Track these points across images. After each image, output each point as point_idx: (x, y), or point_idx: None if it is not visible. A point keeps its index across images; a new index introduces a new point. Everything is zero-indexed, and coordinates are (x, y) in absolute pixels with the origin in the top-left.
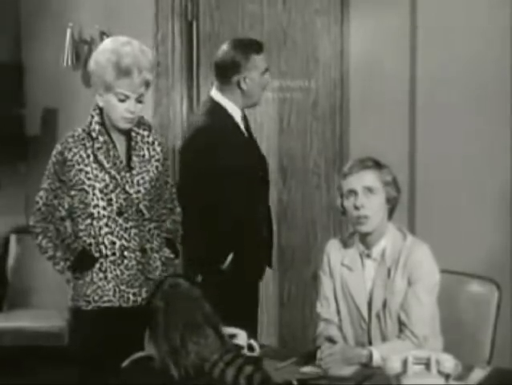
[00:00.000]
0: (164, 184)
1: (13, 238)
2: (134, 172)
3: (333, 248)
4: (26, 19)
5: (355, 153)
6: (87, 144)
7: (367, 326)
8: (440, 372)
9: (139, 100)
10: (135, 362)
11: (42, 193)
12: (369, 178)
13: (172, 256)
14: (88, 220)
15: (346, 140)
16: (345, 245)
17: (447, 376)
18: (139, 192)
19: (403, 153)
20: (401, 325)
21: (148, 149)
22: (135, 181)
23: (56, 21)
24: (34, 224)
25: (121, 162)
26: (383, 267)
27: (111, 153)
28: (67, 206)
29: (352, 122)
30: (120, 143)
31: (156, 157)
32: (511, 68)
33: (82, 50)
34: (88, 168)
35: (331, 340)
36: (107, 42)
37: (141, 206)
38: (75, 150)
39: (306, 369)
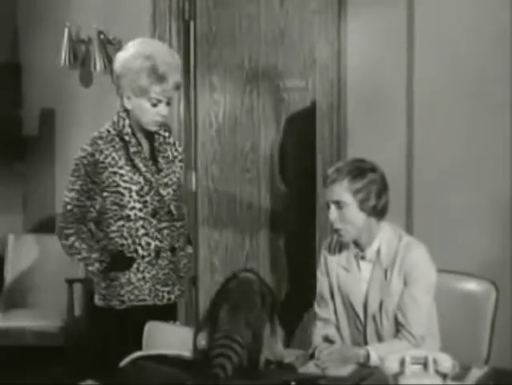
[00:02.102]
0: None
1: (11, 238)
2: (163, 173)
3: (330, 249)
4: (23, 19)
5: (352, 153)
6: (117, 146)
7: (363, 326)
8: (437, 372)
9: (168, 103)
10: (133, 362)
11: (73, 194)
12: (337, 192)
13: (191, 251)
14: (121, 222)
15: (343, 140)
16: (341, 246)
17: (444, 376)
18: (169, 193)
19: (400, 153)
20: (398, 325)
21: (170, 150)
22: (164, 183)
23: (54, 20)
24: (66, 226)
25: (151, 164)
26: (379, 268)
27: (142, 156)
28: (98, 207)
29: (349, 122)
30: (145, 145)
31: (179, 157)
32: (510, 68)
33: (79, 50)
34: (123, 171)
35: (328, 339)
36: (137, 46)
37: (172, 207)
38: (106, 152)
39: (304, 369)
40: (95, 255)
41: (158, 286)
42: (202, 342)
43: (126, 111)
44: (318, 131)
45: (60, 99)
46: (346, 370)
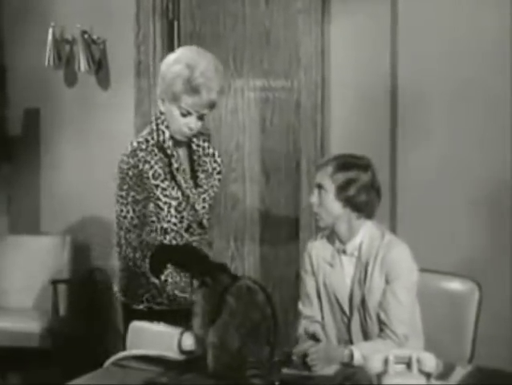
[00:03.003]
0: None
1: None
2: (201, 189)
3: (315, 246)
4: (7, 19)
5: (336, 153)
6: (157, 158)
7: (348, 322)
8: (421, 371)
9: (200, 117)
10: (116, 362)
11: (129, 207)
12: (320, 176)
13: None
14: (153, 234)
15: (327, 140)
16: (327, 241)
17: (428, 375)
18: (204, 208)
19: (384, 153)
20: (381, 324)
21: (209, 162)
22: (201, 198)
23: (38, 20)
24: (125, 236)
25: (190, 178)
26: (360, 263)
27: (181, 168)
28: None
29: (333, 121)
30: (184, 156)
31: (218, 169)
32: (493, 66)
33: (64, 50)
34: (164, 185)
35: (314, 337)
36: (184, 51)
37: (204, 221)
38: (148, 163)
39: (288, 369)
40: (138, 254)
41: (177, 292)
42: (187, 342)
43: (165, 121)
44: (303, 132)
45: (45, 99)
46: (330, 370)
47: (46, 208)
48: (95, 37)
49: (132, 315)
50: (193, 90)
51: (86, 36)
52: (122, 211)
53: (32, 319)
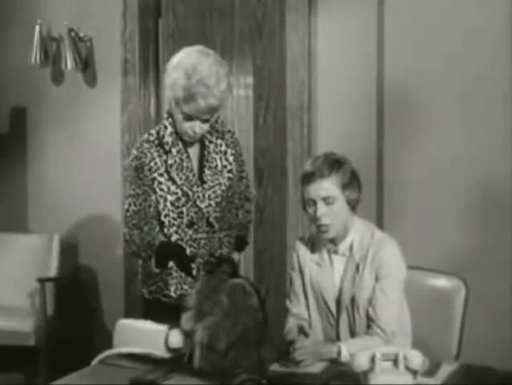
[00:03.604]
0: (237, 180)
1: None
2: (206, 186)
3: (302, 245)
4: None
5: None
6: (159, 152)
7: (335, 321)
8: (407, 368)
9: (205, 121)
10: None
11: (130, 200)
12: (326, 188)
13: (238, 259)
14: (156, 229)
15: (314, 139)
16: (313, 241)
17: (415, 372)
18: (209, 205)
19: (371, 152)
20: (369, 321)
21: (220, 159)
22: (206, 196)
23: (24, 18)
24: (128, 232)
25: (194, 175)
26: (351, 262)
27: (184, 165)
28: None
29: (320, 120)
30: (194, 151)
31: (228, 168)
32: (482, 64)
33: (50, 48)
34: (162, 179)
35: (302, 331)
36: (185, 55)
37: (211, 219)
38: (149, 156)
39: (275, 367)
40: (143, 253)
41: (185, 287)
42: (174, 340)
43: (170, 117)
44: (289, 131)
45: (31, 97)
46: (317, 368)
47: (33, 207)
48: (81, 35)
49: (149, 307)
50: (190, 98)
51: (73, 34)
52: (125, 203)
53: (19, 317)
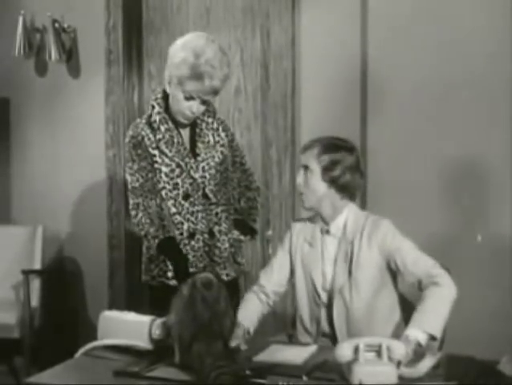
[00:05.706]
0: (231, 164)
1: None
2: (199, 158)
3: (298, 226)
4: None
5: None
6: (150, 130)
7: (321, 301)
8: (391, 359)
9: (203, 102)
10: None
11: (137, 175)
12: (307, 157)
13: (241, 237)
14: (158, 200)
15: (298, 129)
16: (310, 222)
17: (398, 363)
18: (204, 177)
19: (354, 141)
20: (420, 283)
21: (212, 135)
22: (200, 167)
23: (8, 8)
24: (134, 200)
25: (185, 149)
26: (344, 243)
27: (175, 140)
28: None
29: (303, 110)
30: (185, 129)
31: (221, 142)
32: (461, 55)
33: (34, 39)
34: (156, 152)
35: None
36: (192, 38)
37: (207, 190)
38: (143, 133)
39: (260, 358)
40: (152, 229)
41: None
42: (157, 331)
43: (159, 98)
44: (272, 121)
45: (15, 88)
46: (300, 358)
47: (16, 198)
48: (65, 26)
49: (154, 294)
50: (197, 76)
51: (56, 25)
52: (128, 180)
53: (3, 310)
